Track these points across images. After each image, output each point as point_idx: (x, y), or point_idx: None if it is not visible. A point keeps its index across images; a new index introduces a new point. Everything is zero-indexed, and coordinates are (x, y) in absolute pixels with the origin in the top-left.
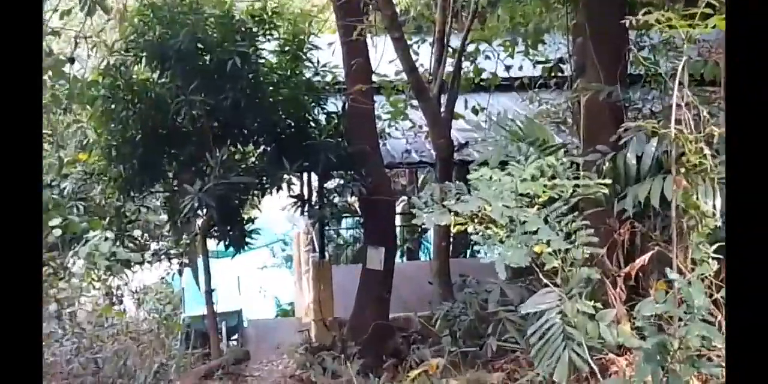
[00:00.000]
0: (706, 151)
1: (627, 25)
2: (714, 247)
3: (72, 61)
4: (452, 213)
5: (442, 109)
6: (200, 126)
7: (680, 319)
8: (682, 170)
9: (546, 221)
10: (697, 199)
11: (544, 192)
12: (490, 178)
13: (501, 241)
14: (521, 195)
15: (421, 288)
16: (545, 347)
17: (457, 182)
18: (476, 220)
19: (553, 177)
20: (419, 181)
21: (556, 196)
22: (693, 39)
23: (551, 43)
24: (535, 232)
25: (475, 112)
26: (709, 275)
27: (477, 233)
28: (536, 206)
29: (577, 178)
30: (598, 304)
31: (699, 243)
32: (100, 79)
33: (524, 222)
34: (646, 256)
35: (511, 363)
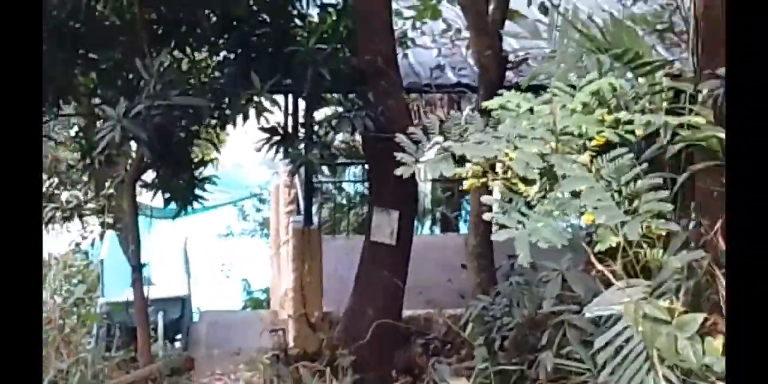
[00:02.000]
0: None
1: None
2: None
3: None
4: (461, 160)
5: (492, 6)
6: (130, 18)
7: None
8: None
9: (600, 178)
10: None
11: (599, 132)
12: (516, 105)
13: (528, 206)
14: (568, 135)
15: (454, 273)
16: (621, 369)
17: (471, 112)
18: (500, 173)
19: (619, 108)
20: (465, 113)
21: (628, 142)
22: None
23: None
24: (582, 195)
25: (544, 9)
26: None
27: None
28: (588, 154)
29: (679, 113)
30: (679, 306)
31: None
32: None
33: (568, 177)
34: None
35: None
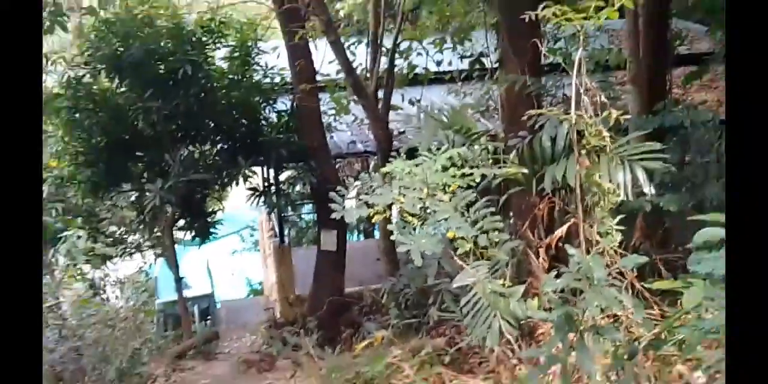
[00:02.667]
0: (605, 133)
1: (527, 19)
2: (617, 220)
3: None
4: (369, 205)
5: (380, 104)
6: (159, 130)
7: (582, 291)
8: (584, 151)
9: (456, 209)
10: (598, 177)
11: (455, 181)
12: (402, 170)
13: (414, 229)
14: (434, 185)
15: (373, 264)
16: (477, 316)
17: (374, 174)
18: (393, 211)
19: (463, 166)
20: (370, 167)
21: (470, 185)
22: (601, 29)
23: (477, 39)
24: (447, 220)
25: (411, 103)
26: (613, 247)
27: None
28: (448, 195)
29: (499, 161)
30: (508, 282)
31: (603, 217)
32: (63, 91)
33: (435, 211)
34: (564, 228)
35: (452, 330)
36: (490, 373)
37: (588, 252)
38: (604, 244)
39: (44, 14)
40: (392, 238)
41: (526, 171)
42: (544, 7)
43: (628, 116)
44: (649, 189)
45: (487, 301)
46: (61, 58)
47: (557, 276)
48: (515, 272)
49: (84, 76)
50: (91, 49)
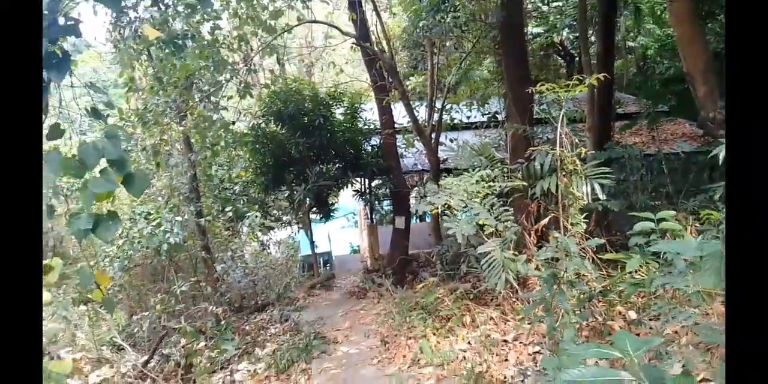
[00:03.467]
0: (577, 161)
1: (530, 91)
2: (583, 215)
3: (233, 123)
4: (432, 203)
5: (433, 141)
6: (303, 155)
7: (560, 259)
8: (563, 173)
9: (484, 207)
10: (572, 188)
11: (483, 190)
12: (452, 183)
13: (458, 218)
14: (471, 192)
15: (426, 237)
16: (491, 271)
17: (433, 184)
18: (446, 206)
19: (487, 180)
20: (425, 179)
21: (492, 192)
22: (572, 97)
23: (493, 102)
24: (478, 214)
25: (451, 141)
26: (580, 232)
27: (446, 215)
28: (479, 199)
29: (508, 177)
30: (517, 253)
31: (574, 213)
32: (249, 132)
33: (471, 208)
34: (546, 220)
35: (474, 279)
36: (498, 306)
37: (564, 235)
38: (574, 230)
39: (239, 85)
40: (444, 224)
41: (525, 183)
42: (538, 84)
43: (590, 151)
44: (601, 196)
45: (500, 262)
46: (249, 112)
47: (544, 250)
48: (515, 245)
49: (261, 123)
50: (266, 108)
